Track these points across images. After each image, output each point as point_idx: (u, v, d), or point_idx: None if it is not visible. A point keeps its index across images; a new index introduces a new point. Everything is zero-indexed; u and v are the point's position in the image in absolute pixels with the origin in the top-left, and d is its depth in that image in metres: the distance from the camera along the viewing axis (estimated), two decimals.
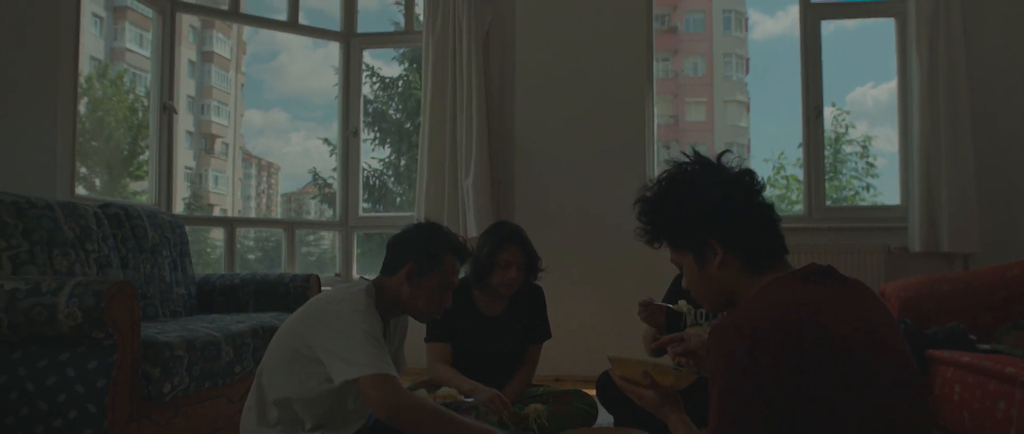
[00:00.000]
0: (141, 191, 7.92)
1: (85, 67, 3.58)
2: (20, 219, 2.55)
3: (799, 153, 4.69)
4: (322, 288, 3.65)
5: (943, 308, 3.24)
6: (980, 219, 4.02)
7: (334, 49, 5.08)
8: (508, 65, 4.68)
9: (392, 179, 8.07)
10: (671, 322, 2.61)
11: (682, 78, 22.78)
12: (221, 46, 20.29)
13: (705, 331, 2.43)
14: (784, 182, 9.07)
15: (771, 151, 32.05)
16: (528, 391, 2.84)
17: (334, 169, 5.17)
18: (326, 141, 9.02)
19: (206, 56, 20.08)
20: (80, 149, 3.67)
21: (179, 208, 4.37)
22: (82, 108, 3.52)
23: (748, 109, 23.53)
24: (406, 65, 8.31)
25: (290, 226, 4.92)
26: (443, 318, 2.22)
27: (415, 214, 4.62)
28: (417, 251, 2.00)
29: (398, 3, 5.95)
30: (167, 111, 4.28)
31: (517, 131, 4.64)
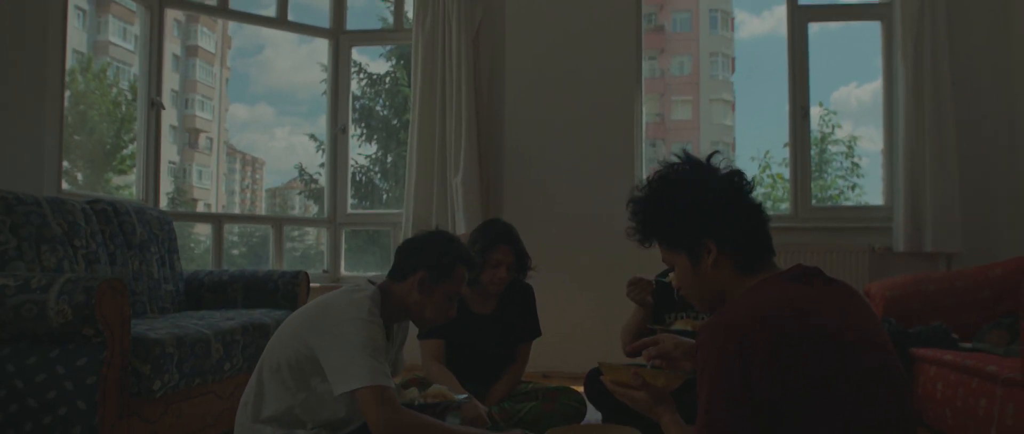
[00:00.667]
0: (124, 185, 7.85)
1: (68, 61, 3.57)
2: (8, 215, 2.53)
3: (784, 152, 4.74)
4: (310, 285, 3.65)
5: (927, 307, 3.28)
6: (963, 220, 4.07)
7: (320, 44, 5.06)
8: (498, 63, 4.69)
9: (379, 176, 8.05)
10: (659, 301, 2.65)
11: (668, 77, 22.85)
12: (206, 40, 20.11)
13: (687, 324, 2.47)
14: (770, 181, 9.15)
15: (756, 150, 32.25)
16: (518, 388, 2.86)
17: (321, 165, 5.16)
18: (312, 137, 9.00)
19: (190, 50, 19.89)
20: (63, 143, 3.65)
21: (163, 203, 4.35)
22: (65, 102, 3.50)
23: (733, 108, 23.65)
24: (393, 61, 8.29)
25: (278, 222, 4.90)
26: None
27: (404, 211, 4.62)
28: (431, 260, 2.00)
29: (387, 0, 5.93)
30: (155, 107, 4.26)
31: (507, 129, 4.65)
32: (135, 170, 4.38)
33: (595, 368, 2.74)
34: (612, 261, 4.28)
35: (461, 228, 4.29)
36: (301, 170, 10.46)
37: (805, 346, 1.20)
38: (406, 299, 2.01)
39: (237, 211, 20.12)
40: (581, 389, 2.81)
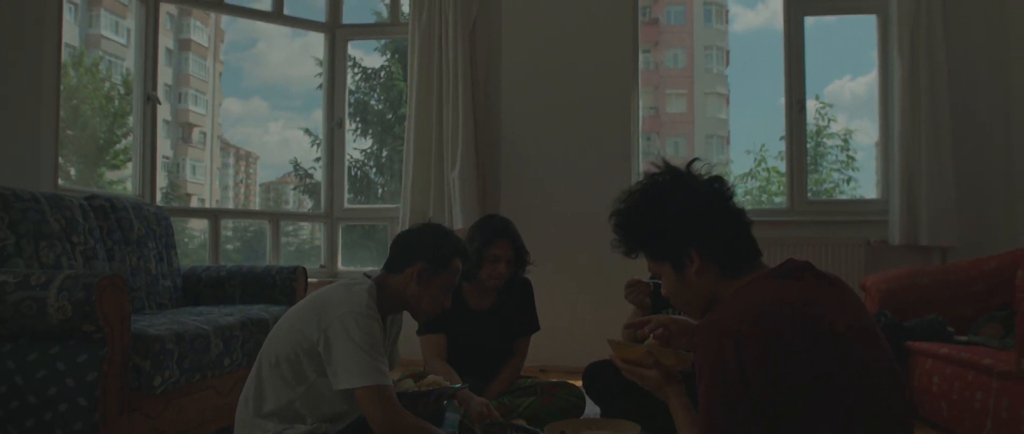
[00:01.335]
0: (117, 180, 7.81)
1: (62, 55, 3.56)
2: (6, 211, 2.53)
3: (779, 145, 4.74)
4: (308, 280, 3.65)
5: (922, 300, 3.31)
6: (959, 213, 4.09)
7: (313, 38, 5.03)
8: (494, 57, 4.68)
9: (374, 170, 8.04)
10: (657, 302, 2.66)
11: (663, 70, 22.83)
12: (199, 34, 20.00)
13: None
14: (765, 174, 9.16)
15: (751, 143, 32.25)
16: (517, 383, 2.87)
17: (316, 159, 5.15)
18: (307, 131, 8.97)
19: (183, 44, 19.77)
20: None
21: (157, 198, 4.34)
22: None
23: (728, 101, 23.66)
24: (388, 56, 8.27)
25: (275, 217, 4.89)
26: None
27: (401, 206, 4.62)
28: (429, 252, 2.02)
29: None
30: (150, 101, 4.24)
31: (503, 123, 4.65)
32: (130, 165, 4.36)
33: (593, 363, 2.76)
34: (609, 254, 4.27)
35: (458, 223, 4.29)
36: (296, 165, 10.42)
37: (800, 341, 1.21)
38: (403, 291, 2.02)
39: (231, 206, 20.08)
40: (580, 384, 2.82)
